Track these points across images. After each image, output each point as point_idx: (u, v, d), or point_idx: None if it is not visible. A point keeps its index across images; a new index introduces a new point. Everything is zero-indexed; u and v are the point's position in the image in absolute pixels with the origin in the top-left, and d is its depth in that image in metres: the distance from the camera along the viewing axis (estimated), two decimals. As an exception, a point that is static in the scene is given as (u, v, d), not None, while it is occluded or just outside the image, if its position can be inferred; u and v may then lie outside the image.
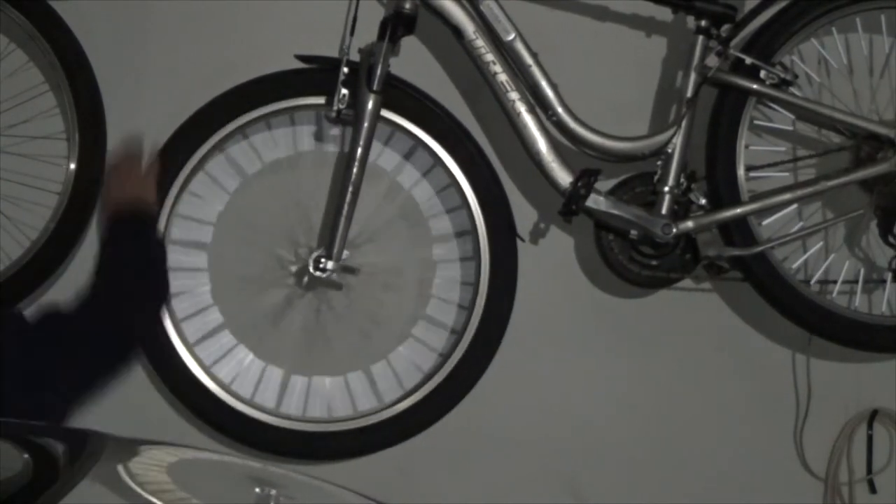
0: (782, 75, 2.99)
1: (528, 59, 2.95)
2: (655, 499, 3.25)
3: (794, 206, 3.09)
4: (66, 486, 1.84)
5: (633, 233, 2.99)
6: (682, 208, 2.99)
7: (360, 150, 2.93)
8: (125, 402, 3.16)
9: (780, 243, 3.05)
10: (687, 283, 3.10)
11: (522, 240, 3.10)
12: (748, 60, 2.98)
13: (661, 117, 3.15)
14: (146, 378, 3.16)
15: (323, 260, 2.98)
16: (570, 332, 3.23)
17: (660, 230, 2.97)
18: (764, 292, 3.04)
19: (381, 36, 2.90)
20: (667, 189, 2.97)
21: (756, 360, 3.25)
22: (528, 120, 2.94)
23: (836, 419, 3.26)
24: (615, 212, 2.98)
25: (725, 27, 2.95)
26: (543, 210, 3.18)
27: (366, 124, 2.92)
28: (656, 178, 2.99)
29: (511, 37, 2.95)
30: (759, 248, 2.99)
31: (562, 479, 3.25)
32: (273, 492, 2.21)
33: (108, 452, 2.04)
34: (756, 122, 3.08)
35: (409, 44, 3.02)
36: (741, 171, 3.01)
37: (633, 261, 3.01)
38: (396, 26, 2.89)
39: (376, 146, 3.09)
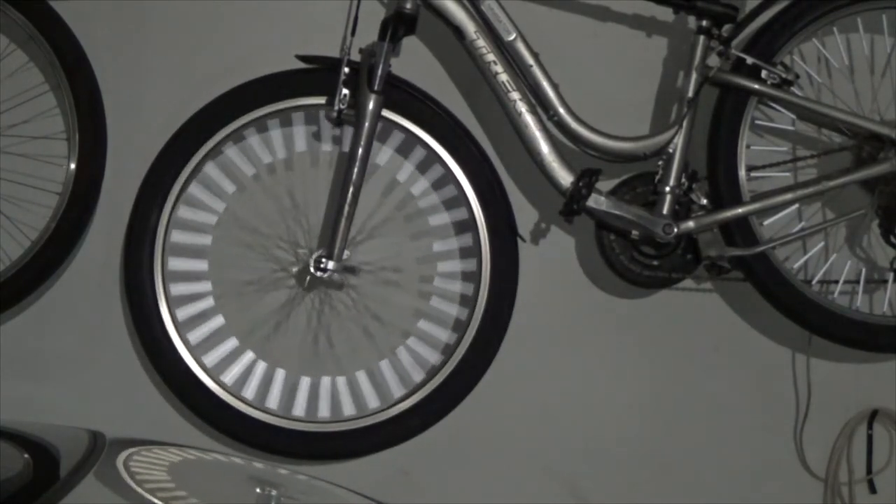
0: (783, 75, 2.99)
1: (530, 59, 2.95)
2: (655, 499, 3.25)
3: (796, 206, 3.09)
4: (66, 486, 1.84)
5: (635, 233, 2.99)
6: (683, 208, 2.99)
7: (360, 150, 2.93)
8: (125, 402, 3.17)
9: (782, 243, 3.05)
10: (688, 283, 3.10)
11: (523, 240, 3.10)
12: (749, 60, 2.97)
13: (663, 117, 3.15)
14: (146, 378, 3.16)
15: (324, 260, 2.97)
16: (570, 332, 3.23)
17: (661, 230, 2.97)
18: (765, 292, 3.04)
19: (381, 36, 2.90)
20: (668, 189, 2.97)
21: (756, 360, 3.25)
22: (529, 120, 2.94)
23: (836, 419, 3.26)
24: (616, 212, 2.98)
25: (727, 27, 2.95)
26: (544, 210, 3.18)
27: (367, 124, 2.92)
28: (657, 178, 2.99)
29: (512, 37, 2.95)
30: (761, 248, 2.99)
31: (562, 479, 3.25)
32: (274, 492, 2.22)
33: (108, 452, 2.04)
34: (757, 122, 3.08)
35: (410, 44, 3.02)
36: (742, 171, 3.01)
37: (635, 261, 3.02)
38: (397, 26, 2.89)
39: (376, 146, 3.09)
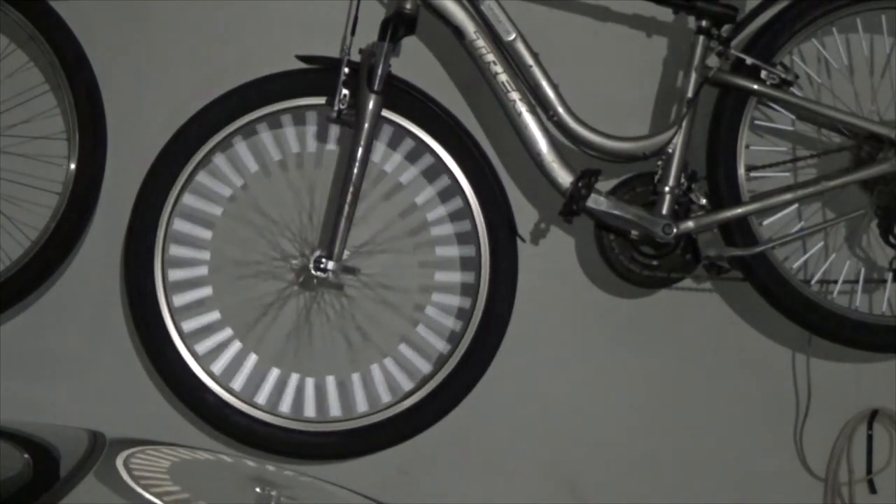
0: (783, 75, 2.99)
1: (529, 60, 2.95)
2: (655, 499, 3.25)
3: (795, 206, 3.09)
4: (66, 486, 1.85)
5: (634, 233, 2.99)
6: (682, 208, 2.99)
7: (360, 151, 2.93)
8: (125, 402, 3.17)
9: (781, 243, 3.05)
10: (687, 283, 3.10)
11: (523, 240, 3.10)
12: (749, 60, 2.98)
13: (662, 117, 3.15)
14: (146, 378, 3.16)
15: (324, 260, 2.97)
16: (570, 332, 3.23)
17: (660, 230, 2.97)
18: (764, 292, 3.04)
19: (381, 36, 2.90)
20: (667, 189, 2.97)
21: (756, 360, 3.25)
22: (529, 120, 2.95)
23: (836, 419, 3.26)
24: (616, 212, 2.98)
25: (726, 27, 2.95)
26: (544, 210, 3.18)
27: (367, 125, 2.92)
28: (657, 178, 2.99)
29: (512, 37, 2.95)
30: (760, 248, 2.99)
31: (562, 479, 3.25)
32: (273, 492, 2.22)
33: (108, 452, 2.04)
34: (757, 122, 3.08)
35: (410, 44, 3.02)
36: (742, 171, 3.01)
37: (634, 261, 3.02)
38: (397, 26, 2.90)
39: (377, 146, 3.09)
